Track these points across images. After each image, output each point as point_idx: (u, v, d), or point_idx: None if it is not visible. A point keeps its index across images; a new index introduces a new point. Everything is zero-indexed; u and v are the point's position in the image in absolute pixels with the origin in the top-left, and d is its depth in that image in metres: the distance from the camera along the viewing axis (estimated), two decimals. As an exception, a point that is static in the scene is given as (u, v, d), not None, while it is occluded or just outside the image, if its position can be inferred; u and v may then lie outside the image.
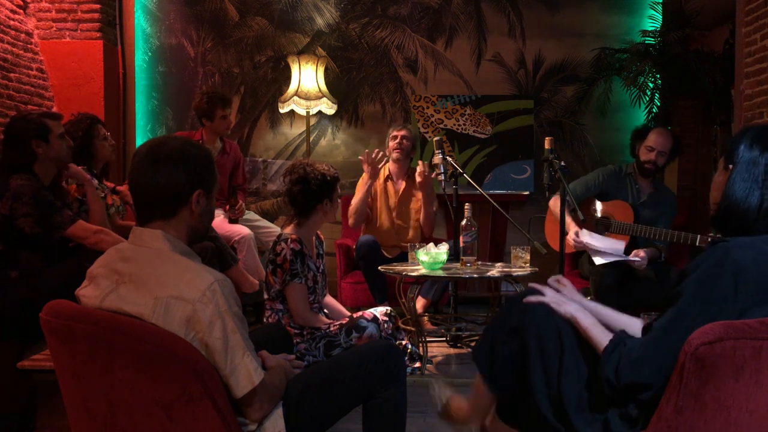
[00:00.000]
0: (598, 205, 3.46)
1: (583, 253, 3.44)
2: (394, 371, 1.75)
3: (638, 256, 3.13)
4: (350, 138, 4.85)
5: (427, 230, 3.69)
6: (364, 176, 3.61)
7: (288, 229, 2.49)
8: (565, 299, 1.67)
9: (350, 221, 3.67)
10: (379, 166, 3.58)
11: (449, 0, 4.77)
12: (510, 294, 3.93)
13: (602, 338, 1.52)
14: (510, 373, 1.65)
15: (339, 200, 2.57)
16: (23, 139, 2.62)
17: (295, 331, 2.36)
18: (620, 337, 1.48)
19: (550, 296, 1.68)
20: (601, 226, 3.39)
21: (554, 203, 3.41)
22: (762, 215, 1.40)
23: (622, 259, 3.10)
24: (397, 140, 3.69)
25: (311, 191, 2.45)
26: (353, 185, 3.86)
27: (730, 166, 1.46)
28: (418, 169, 3.52)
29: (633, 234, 3.24)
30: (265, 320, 2.48)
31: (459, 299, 3.47)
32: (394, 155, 3.69)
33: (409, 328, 2.91)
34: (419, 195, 3.71)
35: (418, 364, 2.69)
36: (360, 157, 3.60)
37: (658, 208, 3.36)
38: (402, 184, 3.76)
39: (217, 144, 3.87)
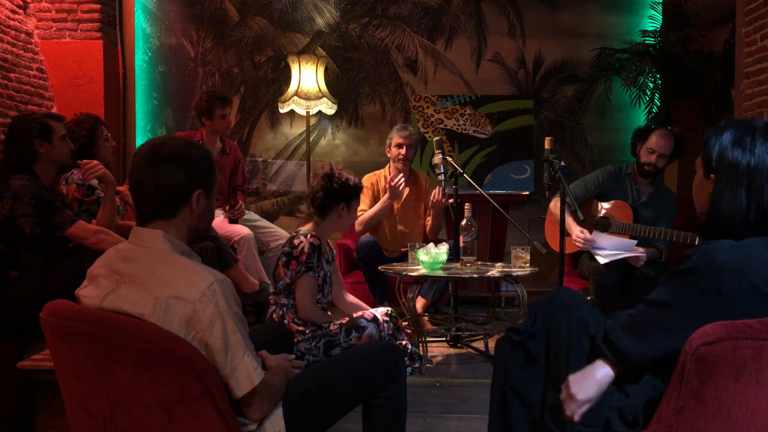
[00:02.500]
0: (598, 206, 3.46)
1: (583, 253, 3.44)
2: (394, 371, 1.76)
3: (637, 251, 3.13)
4: (350, 138, 4.85)
5: (431, 237, 3.70)
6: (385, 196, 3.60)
7: (307, 227, 2.52)
8: None
9: (358, 228, 3.66)
10: (401, 189, 3.56)
11: (449, 0, 4.77)
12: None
13: None
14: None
15: (356, 211, 2.62)
16: (26, 138, 2.62)
17: (298, 327, 2.37)
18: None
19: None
20: (600, 227, 3.39)
21: (554, 205, 3.41)
22: (752, 221, 1.39)
23: (626, 256, 3.10)
24: (403, 150, 3.65)
25: (332, 189, 2.49)
26: (353, 185, 3.85)
27: (712, 176, 1.45)
28: (434, 194, 3.50)
29: (633, 234, 3.23)
30: (269, 316, 2.48)
31: (459, 299, 3.46)
32: (399, 165, 3.67)
33: (409, 327, 2.91)
34: (422, 202, 3.72)
35: (417, 365, 2.69)
36: (387, 185, 3.56)
37: (658, 209, 3.36)
38: (405, 191, 3.72)
39: (217, 144, 3.87)
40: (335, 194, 2.50)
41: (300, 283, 2.41)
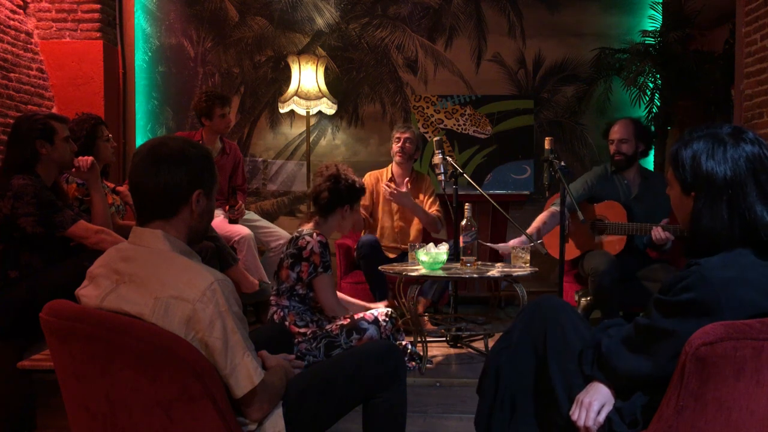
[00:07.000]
0: (592, 209, 3.45)
1: (584, 253, 3.44)
2: (394, 371, 1.76)
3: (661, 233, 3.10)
4: (350, 138, 4.85)
5: (431, 231, 3.70)
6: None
7: (308, 227, 2.52)
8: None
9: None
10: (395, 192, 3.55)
11: (449, 0, 4.77)
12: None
13: None
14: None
15: (358, 213, 2.68)
16: (28, 138, 2.63)
17: (300, 330, 2.37)
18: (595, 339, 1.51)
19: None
20: (596, 230, 3.39)
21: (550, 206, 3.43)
22: (736, 234, 1.36)
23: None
24: (400, 143, 3.67)
25: (339, 191, 2.52)
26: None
27: (693, 194, 1.42)
28: (386, 189, 3.51)
29: (630, 233, 3.23)
30: (269, 317, 2.48)
31: (459, 299, 3.46)
32: (396, 158, 3.68)
33: (408, 328, 2.91)
34: (422, 197, 3.72)
35: (416, 364, 2.69)
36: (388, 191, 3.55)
37: (652, 201, 3.35)
38: (404, 187, 3.73)
39: (217, 144, 3.87)
40: (341, 195, 2.53)
41: (319, 283, 2.43)
